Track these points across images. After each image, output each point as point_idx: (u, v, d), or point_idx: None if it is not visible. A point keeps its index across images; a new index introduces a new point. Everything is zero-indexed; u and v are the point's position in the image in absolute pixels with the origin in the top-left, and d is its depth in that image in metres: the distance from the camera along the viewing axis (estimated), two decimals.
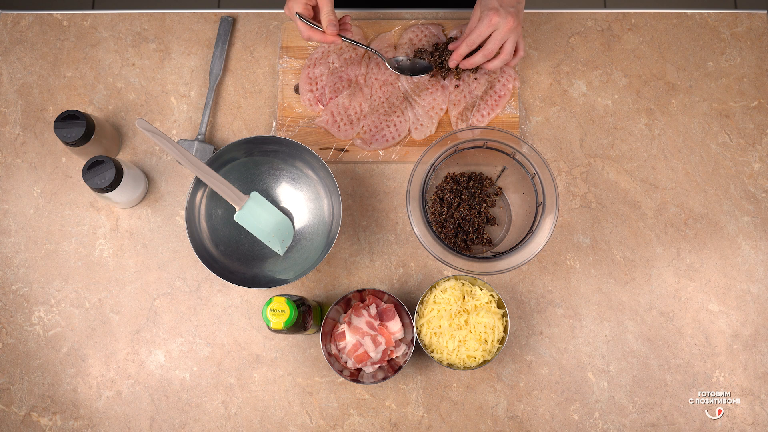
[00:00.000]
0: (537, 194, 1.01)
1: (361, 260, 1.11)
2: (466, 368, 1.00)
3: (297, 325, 0.94)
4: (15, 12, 1.21)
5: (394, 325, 1.03)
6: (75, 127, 1.03)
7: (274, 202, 1.10)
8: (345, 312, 1.05)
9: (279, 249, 1.08)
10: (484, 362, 1.00)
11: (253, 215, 1.05)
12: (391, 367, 1.03)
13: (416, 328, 1.01)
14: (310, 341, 1.08)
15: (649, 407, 1.06)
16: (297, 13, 0.99)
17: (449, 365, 1.00)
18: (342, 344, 1.03)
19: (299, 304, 0.96)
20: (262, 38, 1.19)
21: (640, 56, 1.18)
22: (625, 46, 1.18)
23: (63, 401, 1.07)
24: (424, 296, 1.02)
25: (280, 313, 0.90)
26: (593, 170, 1.13)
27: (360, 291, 1.03)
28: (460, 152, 1.04)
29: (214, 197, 1.07)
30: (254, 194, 1.06)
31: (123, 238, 1.12)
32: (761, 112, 1.15)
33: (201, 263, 1.03)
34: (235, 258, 1.07)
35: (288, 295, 0.97)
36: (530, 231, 1.00)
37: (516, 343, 1.08)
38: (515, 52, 1.06)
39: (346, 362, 1.03)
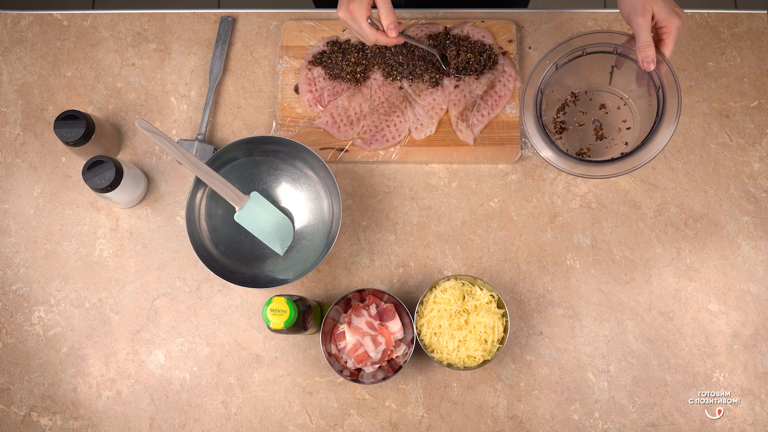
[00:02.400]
0: (659, 105, 0.98)
1: (361, 260, 1.11)
2: (466, 368, 1.00)
3: (297, 325, 0.94)
4: (15, 12, 1.21)
5: (394, 325, 1.03)
6: (75, 127, 1.03)
7: (274, 202, 1.11)
8: (345, 312, 1.05)
9: (279, 249, 1.08)
10: (484, 362, 1.00)
11: (253, 215, 1.05)
12: (391, 367, 1.03)
13: (416, 328, 1.01)
14: (310, 341, 1.08)
15: (649, 407, 1.06)
16: (368, 18, 0.96)
17: (449, 365, 1.00)
18: (342, 344, 1.03)
19: (299, 304, 0.96)
20: (262, 38, 1.19)
21: None
22: None
23: (63, 401, 1.07)
24: (424, 296, 1.02)
25: (280, 313, 0.90)
26: None
27: (360, 291, 1.03)
28: (588, 55, 1.02)
29: (214, 197, 1.07)
30: (254, 194, 1.06)
31: (123, 238, 1.12)
32: (761, 112, 1.15)
33: (201, 263, 1.03)
34: (235, 258, 1.07)
35: (288, 295, 0.97)
36: (647, 138, 0.98)
37: (516, 343, 1.08)
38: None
39: (346, 362, 1.03)
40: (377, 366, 1.04)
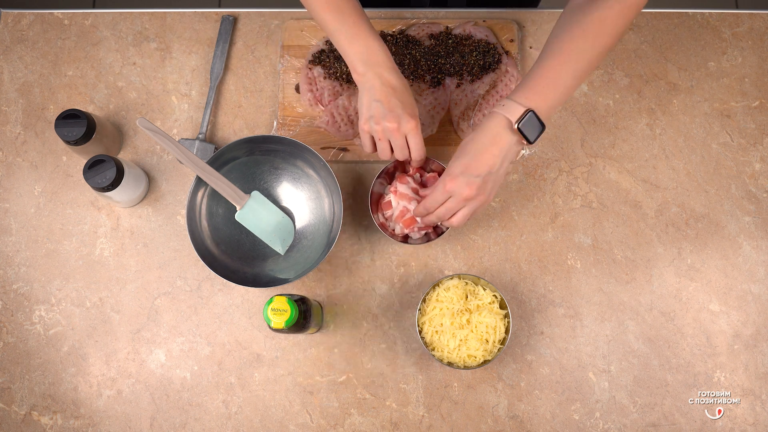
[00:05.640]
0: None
1: (362, 260, 1.11)
2: (466, 367, 1.00)
3: (298, 325, 0.94)
4: (16, 11, 1.21)
5: None
6: (76, 126, 1.03)
7: (275, 202, 1.10)
8: (389, 183, 1.08)
9: (280, 248, 1.08)
10: (485, 362, 1.00)
11: (254, 214, 1.05)
12: (435, 233, 1.06)
13: (418, 325, 1.01)
14: (311, 340, 1.08)
15: (649, 407, 1.06)
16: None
17: (450, 364, 1.00)
18: (389, 213, 1.06)
19: (300, 303, 0.96)
20: (263, 37, 1.19)
21: (642, 56, 1.18)
22: (627, 45, 1.18)
23: (64, 400, 1.07)
24: (427, 294, 1.02)
25: (281, 312, 0.90)
26: (594, 170, 1.13)
27: (401, 162, 1.05)
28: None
29: (215, 196, 1.07)
30: (255, 193, 1.06)
31: (124, 237, 1.12)
32: (762, 112, 1.15)
33: (202, 262, 1.03)
34: (236, 257, 1.07)
35: (289, 295, 0.97)
36: None
37: (517, 342, 1.08)
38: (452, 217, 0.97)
39: (393, 230, 1.06)
40: (423, 233, 1.06)
